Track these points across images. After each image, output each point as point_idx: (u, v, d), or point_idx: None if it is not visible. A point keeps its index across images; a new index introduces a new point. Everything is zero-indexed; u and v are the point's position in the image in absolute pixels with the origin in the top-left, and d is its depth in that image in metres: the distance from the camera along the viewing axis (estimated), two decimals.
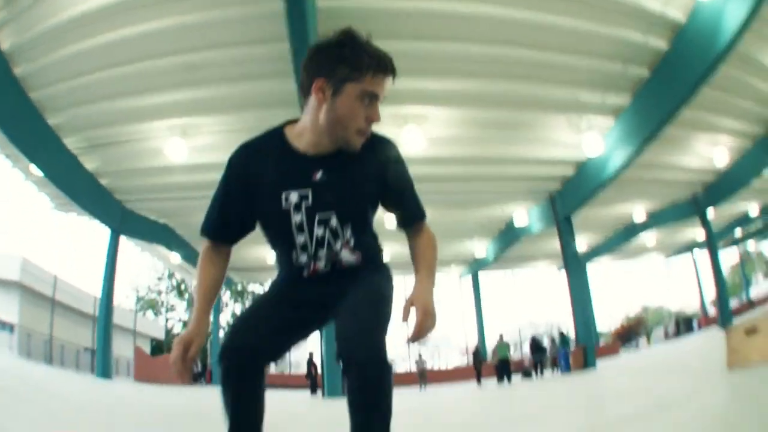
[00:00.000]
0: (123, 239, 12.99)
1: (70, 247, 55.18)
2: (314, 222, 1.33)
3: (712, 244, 15.95)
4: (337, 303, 1.31)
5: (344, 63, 1.23)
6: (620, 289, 50.43)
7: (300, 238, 1.35)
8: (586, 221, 15.46)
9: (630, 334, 37.06)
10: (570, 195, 12.65)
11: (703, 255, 21.20)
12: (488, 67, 8.41)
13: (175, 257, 15.54)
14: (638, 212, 15.52)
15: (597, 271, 27.04)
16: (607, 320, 39.59)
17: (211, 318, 12.76)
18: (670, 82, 8.26)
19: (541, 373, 15.25)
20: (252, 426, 1.31)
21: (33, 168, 10.29)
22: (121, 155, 10.62)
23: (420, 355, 16.61)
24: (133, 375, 13.60)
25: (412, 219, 1.44)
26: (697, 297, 26.25)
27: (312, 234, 1.34)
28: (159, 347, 27.10)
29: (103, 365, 11.45)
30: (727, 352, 4.28)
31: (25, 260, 15.62)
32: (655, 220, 16.15)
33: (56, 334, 13.60)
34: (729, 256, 30.27)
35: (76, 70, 8.14)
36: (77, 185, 10.95)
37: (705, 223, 15.62)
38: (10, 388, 3.71)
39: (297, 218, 1.33)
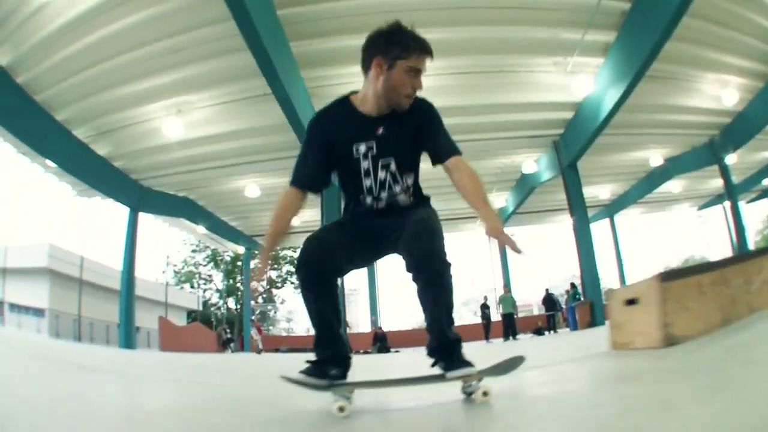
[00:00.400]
0: (146, 216, 13.85)
1: (96, 229, 57.26)
2: (378, 167, 1.74)
3: (731, 192, 15.44)
4: (395, 236, 1.70)
5: (396, 45, 1.65)
6: (656, 241, 49.49)
7: (367, 182, 1.76)
8: (605, 169, 15.52)
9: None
10: (572, 140, 12.33)
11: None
12: (466, 15, 8.47)
13: (200, 229, 16.26)
14: (655, 158, 15.02)
15: (627, 222, 26.40)
16: (642, 275, 38.31)
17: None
18: (652, 11, 8.03)
19: (555, 330, 15.16)
20: (330, 324, 1.70)
21: (49, 162, 11.08)
22: (129, 138, 11.17)
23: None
24: (159, 345, 14.39)
25: (448, 153, 1.75)
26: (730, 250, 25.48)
27: (376, 177, 1.75)
28: (195, 318, 28.24)
29: (126, 336, 12.26)
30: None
31: (52, 246, 16.69)
32: (674, 167, 15.50)
33: (85, 313, 14.57)
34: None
35: (73, 68, 8.78)
36: (92, 171, 11.62)
37: (724, 170, 14.99)
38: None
39: (365, 164, 1.74)
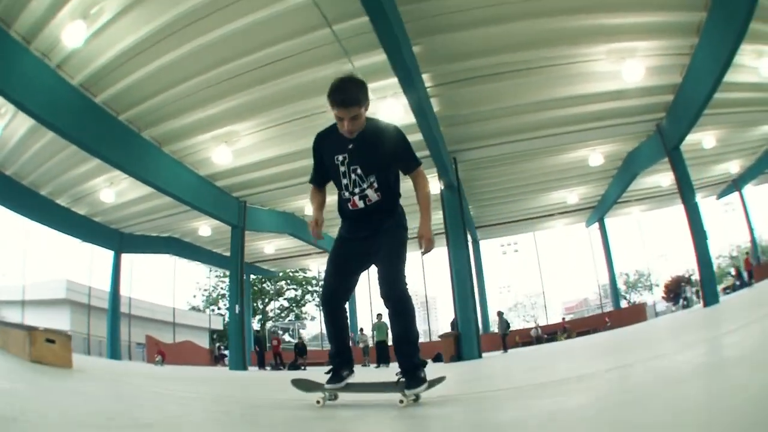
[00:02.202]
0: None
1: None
2: (350, 171, 2.57)
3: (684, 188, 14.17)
4: (375, 257, 2.60)
5: (328, 99, 2.47)
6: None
7: (344, 181, 2.59)
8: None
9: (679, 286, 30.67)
10: (676, 122, 12.04)
11: None
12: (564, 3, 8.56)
13: None
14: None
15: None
16: None
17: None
18: None
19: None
20: (341, 339, 2.73)
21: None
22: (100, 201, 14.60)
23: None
24: (146, 358, 18.67)
25: (412, 167, 2.68)
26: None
27: (351, 179, 2.58)
28: (219, 337, 32.34)
29: (111, 350, 16.56)
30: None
31: (69, 281, 21.77)
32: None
33: (94, 332, 19.16)
34: None
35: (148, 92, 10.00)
36: (78, 227, 15.94)
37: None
38: None
39: (342, 169, 2.58)
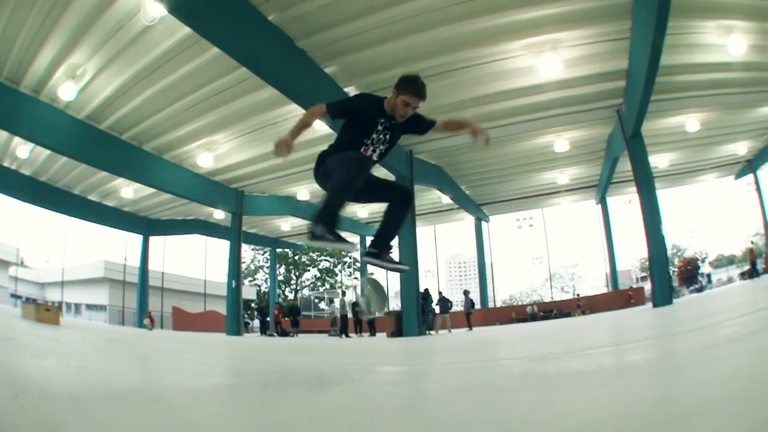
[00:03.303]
0: None
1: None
2: (382, 136, 3.28)
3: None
4: (379, 194, 3.50)
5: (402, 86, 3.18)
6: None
7: (374, 136, 3.25)
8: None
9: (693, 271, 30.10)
10: (629, 108, 12.21)
11: None
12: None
13: None
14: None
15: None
16: None
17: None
18: None
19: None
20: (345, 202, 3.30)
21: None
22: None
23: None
24: (172, 326, 21.93)
25: (432, 125, 3.46)
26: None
27: (378, 139, 3.27)
28: (249, 307, 34.85)
29: (139, 319, 19.78)
30: None
31: (107, 261, 25.35)
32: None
33: (129, 305, 22.57)
34: None
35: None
36: (108, 217, 19.10)
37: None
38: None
39: (380, 128, 3.25)
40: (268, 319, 20.22)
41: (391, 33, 9.55)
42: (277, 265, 36.35)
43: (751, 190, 25.30)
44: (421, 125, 3.46)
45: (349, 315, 17.14)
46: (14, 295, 22.37)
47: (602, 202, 22.28)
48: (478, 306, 22.49)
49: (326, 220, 3.10)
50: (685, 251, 38.34)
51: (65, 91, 10.21)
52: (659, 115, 13.86)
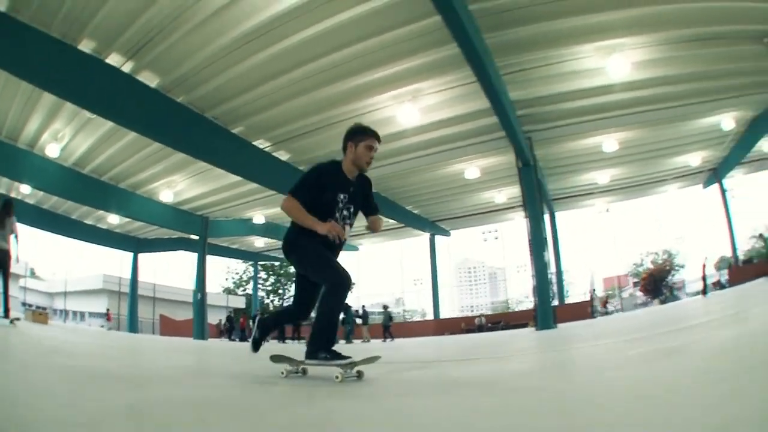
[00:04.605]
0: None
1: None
2: (345, 209, 3.42)
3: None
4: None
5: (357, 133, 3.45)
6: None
7: (337, 215, 3.38)
8: None
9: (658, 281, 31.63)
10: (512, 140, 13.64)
11: None
12: None
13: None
14: None
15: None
16: None
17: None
18: None
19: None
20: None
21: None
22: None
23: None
24: (159, 331, 25.79)
25: (375, 211, 3.62)
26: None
27: (342, 214, 3.41)
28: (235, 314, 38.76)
29: (130, 324, 23.61)
30: None
31: (105, 274, 29.64)
32: None
33: (124, 312, 26.61)
34: None
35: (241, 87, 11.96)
36: (100, 237, 22.95)
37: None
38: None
39: (341, 206, 3.40)
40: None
41: (282, 97, 12.30)
42: (267, 276, 40.00)
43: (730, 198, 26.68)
44: (370, 201, 3.66)
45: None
46: (24, 303, 26.70)
47: (552, 217, 24.33)
48: (430, 317, 25.50)
49: (324, 346, 3.23)
50: (677, 256, 40.24)
51: (51, 150, 13.97)
52: (575, 137, 16.20)
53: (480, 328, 23.53)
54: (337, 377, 3.03)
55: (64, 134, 13.96)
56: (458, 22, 8.46)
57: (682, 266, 35.97)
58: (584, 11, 10.06)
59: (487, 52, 10.42)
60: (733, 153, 20.08)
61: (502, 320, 24.25)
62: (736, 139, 18.73)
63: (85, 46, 10.14)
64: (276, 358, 3.69)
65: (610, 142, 16.74)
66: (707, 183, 23.59)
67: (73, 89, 10.04)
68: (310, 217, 3.26)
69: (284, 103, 12.69)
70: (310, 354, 3.26)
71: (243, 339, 21.80)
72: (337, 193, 3.41)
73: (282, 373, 3.46)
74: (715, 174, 22.46)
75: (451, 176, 19.20)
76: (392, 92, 12.46)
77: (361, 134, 3.49)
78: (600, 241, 41.28)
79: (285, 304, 43.06)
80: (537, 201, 15.14)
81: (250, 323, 22.61)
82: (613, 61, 11.65)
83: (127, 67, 10.88)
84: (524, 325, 21.62)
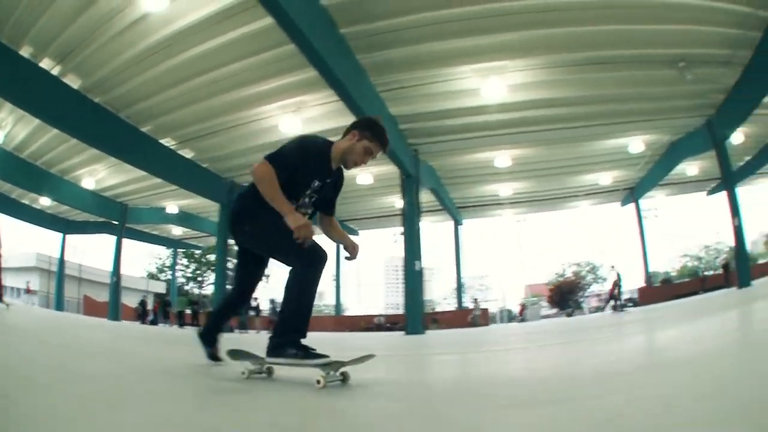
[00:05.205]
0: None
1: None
2: (311, 197, 3.00)
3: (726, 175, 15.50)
4: None
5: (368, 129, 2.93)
6: None
7: (301, 200, 2.94)
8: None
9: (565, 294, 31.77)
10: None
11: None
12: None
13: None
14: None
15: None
16: None
17: None
18: None
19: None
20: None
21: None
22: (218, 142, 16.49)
23: None
24: (83, 311, 26.73)
25: (333, 212, 3.22)
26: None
27: (305, 202, 2.98)
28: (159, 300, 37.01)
29: (57, 303, 24.52)
30: None
31: (38, 253, 30.40)
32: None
33: (52, 291, 27.44)
34: None
35: (158, 86, 13.04)
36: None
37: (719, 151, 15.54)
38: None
39: (309, 192, 2.97)
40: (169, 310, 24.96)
41: (187, 100, 13.65)
42: (188, 263, 40.53)
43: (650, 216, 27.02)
44: (334, 199, 3.25)
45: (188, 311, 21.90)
46: None
47: (456, 225, 25.74)
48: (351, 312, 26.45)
49: (293, 339, 2.70)
50: (600, 269, 42.14)
51: None
52: (465, 151, 17.29)
53: (379, 327, 23.89)
54: (318, 382, 2.48)
55: (7, 122, 14.89)
56: (311, 47, 9.34)
57: (604, 279, 37.92)
58: (456, 35, 11.01)
59: (358, 72, 11.65)
60: (651, 174, 20.94)
61: (401, 321, 24.31)
62: (653, 160, 19.71)
63: (25, 51, 11.38)
64: (234, 354, 3.08)
65: (503, 158, 17.70)
66: (624, 201, 24.70)
67: (10, 90, 11.35)
68: (282, 197, 2.73)
69: (189, 107, 14.00)
70: (275, 350, 2.73)
71: (154, 323, 22.80)
72: (314, 178, 2.98)
73: (243, 373, 2.89)
74: (632, 193, 23.52)
75: (346, 180, 20.32)
76: (279, 103, 13.68)
77: (371, 133, 2.99)
78: (522, 250, 43.71)
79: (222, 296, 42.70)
80: (415, 211, 15.88)
81: (166, 309, 23.80)
82: (490, 83, 12.57)
83: (56, 71, 12.24)
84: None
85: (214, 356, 3.45)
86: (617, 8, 10.49)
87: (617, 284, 19.41)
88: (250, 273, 3.24)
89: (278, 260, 2.94)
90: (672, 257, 45.78)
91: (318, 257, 2.75)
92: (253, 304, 20.62)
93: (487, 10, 10.26)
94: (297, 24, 8.56)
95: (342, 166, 3.11)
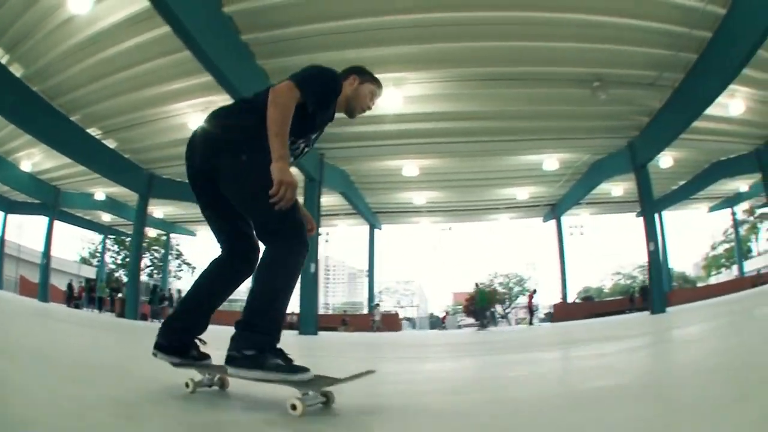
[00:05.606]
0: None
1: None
2: (304, 147, 2.50)
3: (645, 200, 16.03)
4: None
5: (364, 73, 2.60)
6: None
7: (295, 148, 2.40)
8: None
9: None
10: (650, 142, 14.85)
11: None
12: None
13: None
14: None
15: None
16: None
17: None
18: None
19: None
20: None
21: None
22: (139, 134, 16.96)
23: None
24: (18, 291, 27.58)
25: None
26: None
27: (296, 152, 2.43)
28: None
29: None
30: None
31: None
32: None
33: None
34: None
35: (88, 79, 13.50)
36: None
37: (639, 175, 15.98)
38: None
39: (302, 141, 2.46)
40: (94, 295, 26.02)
41: (112, 92, 14.28)
42: (119, 250, 41.81)
43: (576, 233, 28.51)
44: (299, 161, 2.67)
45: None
46: None
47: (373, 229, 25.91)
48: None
49: (270, 343, 2.00)
50: (527, 281, 43.65)
51: None
52: (373, 158, 17.98)
53: (291, 326, 24.57)
54: (294, 407, 1.83)
55: None
56: (203, 52, 10.05)
57: (534, 291, 39.12)
58: (360, 45, 11.37)
59: (260, 76, 12.33)
60: (573, 192, 21.50)
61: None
62: (574, 178, 20.21)
63: None
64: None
65: (410, 167, 18.33)
66: (546, 217, 25.51)
67: None
68: (286, 139, 2.15)
69: (113, 99, 14.75)
70: (254, 359, 1.96)
71: (78, 306, 23.98)
72: (317, 129, 2.54)
73: (187, 385, 2.24)
74: (553, 210, 24.30)
75: None
76: (188, 102, 14.51)
77: (371, 76, 2.63)
78: (447, 258, 45.37)
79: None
80: (316, 214, 16.01)
81: (91, 294, 24.93)
82: (386, 93, 12.23)
83: (5, 59, 13.01)
84: (333, 329, 22.26)
85: (184, 364, 2.36)
86: (528, 24, 10.62)
87: (532, 297, 20.50)
88: (232, 216, 2.36)
89: (251, 216, 2.27)
90: (605, 275, 47.70)
91: (305, 237, 2.20)
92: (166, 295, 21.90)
93: (386, 22, 10.66)
94: (190, 31, 9.35)
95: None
